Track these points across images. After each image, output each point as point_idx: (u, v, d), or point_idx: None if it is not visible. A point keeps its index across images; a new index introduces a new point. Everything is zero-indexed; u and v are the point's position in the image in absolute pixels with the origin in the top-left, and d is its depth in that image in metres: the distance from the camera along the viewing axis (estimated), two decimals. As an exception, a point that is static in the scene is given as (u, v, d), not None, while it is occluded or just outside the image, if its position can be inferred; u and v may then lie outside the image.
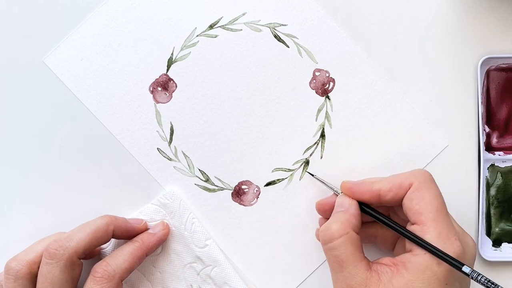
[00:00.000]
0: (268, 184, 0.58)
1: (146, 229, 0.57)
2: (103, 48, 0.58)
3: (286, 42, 0.58)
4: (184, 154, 0.58)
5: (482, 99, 0.58)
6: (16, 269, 0.52)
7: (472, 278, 0.47)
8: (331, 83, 0.58)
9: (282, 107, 0.58)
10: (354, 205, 0.52)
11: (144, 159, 0.58)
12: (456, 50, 0.58)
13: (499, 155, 0.59)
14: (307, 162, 0.58)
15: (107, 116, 0.58)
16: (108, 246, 0.57)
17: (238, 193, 0.58)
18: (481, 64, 0.57)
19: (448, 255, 0.47)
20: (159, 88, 0.58)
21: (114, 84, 0.58)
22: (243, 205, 0.58)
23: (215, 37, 0.58)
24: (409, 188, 0.50)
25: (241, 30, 0.58)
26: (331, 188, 0.55)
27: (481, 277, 0.47)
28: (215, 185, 0.58)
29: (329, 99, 0.58)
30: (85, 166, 0.58)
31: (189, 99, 0.58)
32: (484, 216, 0.58)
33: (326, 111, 0.58)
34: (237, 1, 0.57)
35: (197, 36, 0.58)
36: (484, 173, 0.58)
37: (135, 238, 0.55)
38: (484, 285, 0.47)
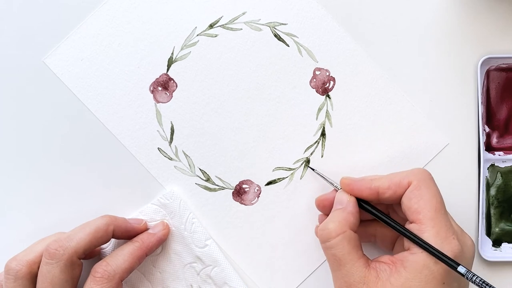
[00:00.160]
0: (269, 183, 0.58)
1: (146, 229, 0.57)
2: (103, 48, 0.58)
3: (286, 41, 0.58)
4: (184, 153, 0.58)
5: (482, 99, 0.58)
6: (16, 269, 0.51)
7: (467, 278, 0.47)
8: (332, 82, 0.58)
9: (283, 106, 0.58)
10: (352, 202, 0.52)
11: (145, 159, 0.58)
12: (456, 50, 0.58)
13: (499, 155, 0.59)
14: (307, 161, 0.58)
15: (107, 116, 0.58)
16: (108, 246, 0.57)
17: (238, 193, 0.58)
18: (481, 64, 0.57)
19: (444, 254, 0.47)
20: (160, 88, 0.58)
21: (115, 84, 0.58)
22: (244, 204, 0.58)
23: (215, 36, 0.58)
24: (408, 187, 0.50)
25: (241, 29, 0.58)
26: (331, 183, 0.55)
27: (476, 277, 0.47)
28: (215, 185, 0.58)
29: (330, 98, 0.58)
30: (85, 166, 0.58)
31: (189, 99, 0.58)
32: (484, 216, 0.58)
33: (327, 110, 0.58)
34: (237, 1, 0.57)
35: (197, 35, 0.58)
36: (484, 173, 0.58)
37: (135, 238, 0.55)
38: (478, 285, 0.47)
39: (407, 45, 0.58)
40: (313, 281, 0.58)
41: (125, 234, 0.55)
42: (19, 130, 0.58)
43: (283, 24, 0.58)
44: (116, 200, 0.58)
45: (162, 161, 0.58)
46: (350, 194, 0.53)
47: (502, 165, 0.59)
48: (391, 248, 0.55)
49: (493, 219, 0.58)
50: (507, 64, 0.58)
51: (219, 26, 0.58)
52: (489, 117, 0.58)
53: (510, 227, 0.58)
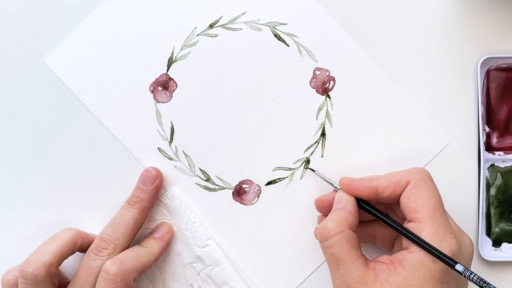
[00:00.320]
0: (269, 183, 0.58)
1: None
2: (103, 48, 0.58)
3: (286, 41, 0.58)
4: (184, 153, 0.58)
5: (482, 99, 0.58)
6: (34, 273, 0.51)
7: (464, 276, 0.47)
8: (332, 82, 0.58)
9: (283, 106, 0.58)
10: (351, 202, 0.52)
11: (145, 159, 0.58)
12: (456, 50, 0.58)
13: (499, 155, 0.59)
14: (307, 161, 0.58)
15: (107, 116, 0.58)
16: None
17: (239, 193, 0.58)
18: (481, 64, 0.57)
19: (442, 253, 0.47)
20: (160, 88, 0.58)
21: (115, 84, 0.58)
22: (244, 204, 0.58)
23: (215, 36, 0.58)
24: (407, 186, 0.50)
25: (241, 29, 0.58)
26: (331, 184, 0.55)
27: (474, 275, 0.47)
28: (216, 185, 0.58)
29: (330, 98, 0.58)
30: (85, 166, 0.58)
31: (189, 99, 0.58)
32: (484, 216, 0.58)
33: (327, 110, 0.58)
34: (237, 0, 0.57)
35: (197, 35, 0.58)
36: (484, 173, 0.58)
37: (143, 243, 0.56)
38: (476, 283, 0.47)
39: (407, 45, 0.58)
40: (313, 281, 0.58)
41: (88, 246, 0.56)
42: (19, 130, 0.58)
43: (283, 24, 0.58)
44: (117, 200, 0.57)
45: (162, 161, 0.58)
46: (350, 194, 0.53)
47: (502, 165, 0.59)
48: (391, 248, 0.55)
49: (493, 219, 0.58)
50: (507, 64, 0.58)
51: (219, 26, 0.58)
52: (489, 117, 0.58)
53: (510, 227, 0.58)
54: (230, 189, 0.58)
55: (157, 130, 0.58)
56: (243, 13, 0.58)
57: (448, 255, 0.47)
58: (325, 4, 0.58)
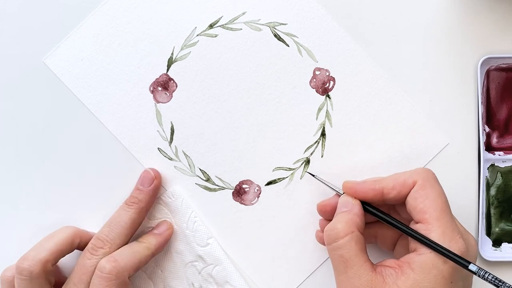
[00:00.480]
0: (269, 183, 0.58)
1: None
2: (103, 48, 0.58)
3: (286, 41, 0.58)
4: (184, 153, 0.58)
5: (482, 99, 0.58)
6: (30, 269, 0.51)
7: (479, 276, 0.47)
8: (332, 82, 0.58)
9: (283, 106, 0.58)
10: (357, 205, 0.52)
11: (145, 159, 0.58)
12: (456, 50, 0.58)
13: (499, 155, 0.59)
14: (307, 161, 0.58)
15: (107, 116, 0.58)
16: None
17: (239, 193, 0.58)
18: (481, 64, 0.57)
19: (455, 253, 0.47)
20: (160, 88, 0.58)
21: (115, 84, 0.58)
22: (244, 204, 0.58)
23: (215, 36, 0.58)
24: (413, 186, 0.50)
25: (241, 29, 0.58)
26: (333, 188, 0.55)
27: (488, 274, 0.47)
28: (215, 185, 0.58)
29: (330, 98, 0.58)
30: (85, 166, 0.58)
31: (189, 99, 0.58)
32: (484, 216, 0.58)
33: (327, 110, 0.58)
34: (237, 1, 0.57)
35: (197, 35, 0.58)
36: (484, 173, 0.58)
37: (141, 239, 0.56)
38: (491, 283, 0.47)
39: (407, 45, 0.58)
40: (313, 281, 0.58)
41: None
42: (19, 130, 0.58)
43: (283, 24, 0.58)
44: (116, 200, 0.57)
45: (162, 161, 0.58)
46: (354, 197, 0.52)
47: (502, 165, 0.59)
48: (392, 249, 0.55)
49: (493, 219, 0.58)
50: (507, 64, 0.58)
51: (219, 26, 0.58)
52: (489, 117, 0.58)
53: (510, 227, 0.58)
54: (230, 189, 0.58)
55: (157, 130, 0.58)
56: (243, 13, 0.58)
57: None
58: (325, 4, 0.58)
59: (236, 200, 0.58)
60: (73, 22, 0.58)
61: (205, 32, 0.58)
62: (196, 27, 0.58)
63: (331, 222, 0.51)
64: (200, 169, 0.58)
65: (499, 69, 0.58)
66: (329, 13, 0.58)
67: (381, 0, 0.58)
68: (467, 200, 0.58)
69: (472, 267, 0.47)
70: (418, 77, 0.58)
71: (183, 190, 0.58)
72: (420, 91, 0.58)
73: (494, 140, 0.59)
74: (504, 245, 0.58)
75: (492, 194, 0.58)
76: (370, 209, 0.52)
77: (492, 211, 0.58)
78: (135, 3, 0.58)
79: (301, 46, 0.58)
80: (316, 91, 0.58)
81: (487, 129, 0.59)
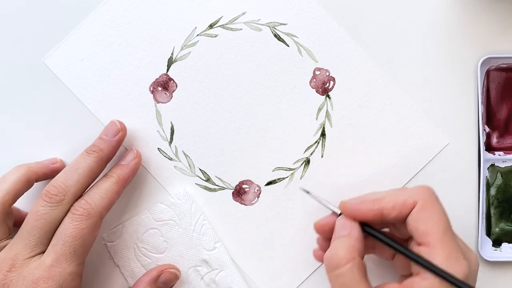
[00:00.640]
0: (269, 183, 0.58)
1: (63, 166, 0.57)
2: (103, 48, 0.58)
3: (286, 41, 0.58)
4: (184, 153, 0.58)
5: (482, 99, 0.58)
6: None
7: None
8: (332, 82, 0.58)
9: (283, 106, 0.58)
10: (356, 229, 0.49)
11: (145, 159, 0.58)
12: (456, 50, 0.58)
13: (499, 155, 0.59)
14: (307, 161, 0.58)
15: (107, 116, 0.58)
16: None
17: (239, 193, 0.58)
18: (481, 64, 0.57)
19: (460, 280, 0.45)
20: (160, 88, 0.58)
21: (115, 84, 0.58)
22: (244, 204, 0.58)
23: (215, 36, 0.58)
24: (413, 207, 0.48)
25: (241, 29, 0.58)
26: (329, 208, 0.53)
27: None
28: (216, 185, 0.58)
29: (330, 98, 0.58)
30: (85, 166, 0.58)
31: (189, 99, 0.58)
32: (484, 216, 0.58)
33: (327, 110, 0.58)
34: (237, 1, 0.57)
35: (197, 35, 0.58)
36: (484, 173, 0.58)
37: (109, 173, 0.55)
38: None
39: (407, 45, 0.58)
40: (313, 281, 0.58)
41: (45, 177, 0.55)
42: (19, 130, 0.58)
43: (283, 24, 0.58)
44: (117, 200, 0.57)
45: (162, 161, 0.58)
46: (353, 218, 0.50)
47: (502, 165, 0.59)
48: (391, 259, 0.54)
49: (493, 219, 0.58)
50: (507, 64, 0.58)
51: (219, 26, 0.58)
52: (489, 117, 0.58)
53: (510, 227, 0.58)
54: (230, 189, 0.58)
55: (157, 130, 0.58)
56: (243, 13, 0.58)
57: (461, 278, 0.46)
58: (325, 4, 0.58)
59: (236, 200, 0.58)
60: (73, 22, 0.58)
61: (205, 32, 0.58)
62: (196, 27, 0.58)
63: (330, 248, 0.49)
64: (200, 169, 0.58)
65: (499, 69, 0.58)
66: (329, 13, 0.58)
67: (381, 0, 0.58)
68: (467, 200, 0.58)
69: None
70: (418, 77, 0.58)
71: (193, 191, 0.58)
72: (420, 91, 0.58)
73: (494, 140, 0.59)
74: (504, 245, 0.58)
75: (492, 194, 0.58)
76: (371, 231, 0.50)
77: (492, 211, 0.58)
78: (135, 3, 0.58)
79: (301, 46, 0.58)
80: (316, 91, 0.58)
81: (487, 129, 0.59)
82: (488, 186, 0.58)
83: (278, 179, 0.58)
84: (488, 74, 0.58)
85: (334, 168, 0.58)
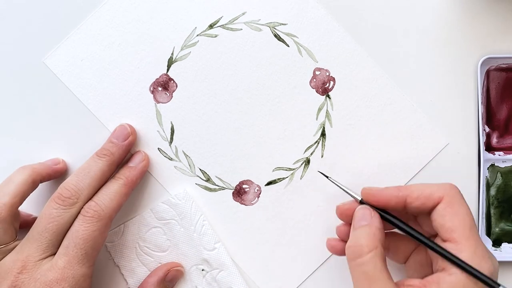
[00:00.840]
0: (269, 183, 0.58)
1: (66, 167, 0.58)
2: (103, 48, 0.58)
3: (286, 41, 0.58)
4: (184, 153, 0.58)
5: (482, 99, 0.58)
6: None
7: None
8: (332, 82, 0.58)
9: (283, 106, 0.58)
10: (377, 218, 0.49)
11: (145, 159, 0.58)
12: (456, 50, 0.58)
13: (499, 155, 0.59)
14: (308, 161, 0.58)
15: (107, 116, 0.58)
16: None
17: (239, 193, 0.58)
18: (481, 64, 0.57)
19: (486, 276, 0.46)
20: (160, 88, 0.58)
21: (115, 84, 0.58)
22: (244, 204, 0.58)
23: (215, 36, 0.58)
24: (439, 202, 0.48)
25: (241, 29, 0.58)
26: (350, 194, 0.52)
27: None
28: (216, 185, 0.58)
29: (330, 98, 0.58)
30: (85, 166, 0.58)
31: (189, 99, 0.58)
32: (484, 216, 0.58)
33: (327, 110, 0.58)
34: (237, 1, 0.57)
35: (197, 35, 0.58)
36: (484, 173, 0.58)
37: (118, 175, 0.55)
38: None
39: (407, 45, 0.58)
40: (313, 281, 0.58)
41: (48, 178, 0.56)
42: (19, 130, 0.58)
43: (283, 24, 0.58)
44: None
45: (162, 161, 0.58)
46: (375, 204, 0.50)
47: (502, 165, 0.59)
48: (403, 262, 0.54)
49: (493, 219, 0.58)
50: (507, 64, 0.58)
51: (219, 26, 0.58)
52: (489, 117, 0.58)
53: (510, 227, 0.58)
54: (230, 189, 0.58)
55: (157, 131, 0.58)
56: (243, 13, 0.58)
57: (488, 276, 0.46)
58: (325, 4, 0.58)
59: (236, 200, 0.58)
60: (73, 22, 0.58)
61: (205, 32, 0.58)
62: (196, 27, 0.58)
63: (351, 237, 0.49)
64: (200, 169, 0.58)
65: (499, 69, 0.58)
66: (329, 13, 0.58)
67: (381, 0, 0.58)
68: (467, 200, 0.58)
69: None
70: (418, 77, 0.58)
71: (193, 191, 0.58)
72: (420, 91, 0.58)
73: (494, 140, 0.59)
74: (504, 245, 0.58)
75: (492, 194, 0.58)
76: (392, 219, 0.50)
77: (492, 211, 0.58)
78: (135, 3, 0.58)
79: (301, 46, 0.58)
80: (316, 91, 0.58)
81: (487, 129, 0.59)
82: (488, 186, 0.58)
83: (278, 179, 0.58)
84: (488, 74, 0.58)
85: (334, 168, 0.58)
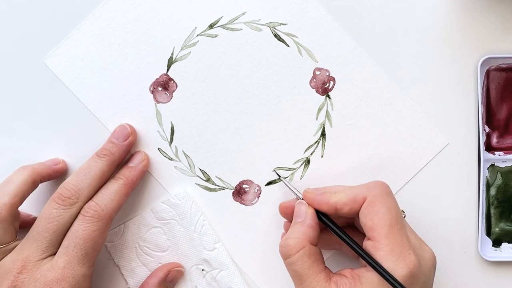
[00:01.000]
0: (269, 183, 0.58)
1: (66, 167, 0.58)
2: (103, 48, 0.58)
3: (286, 41, 0.58)
4: (184, 153, 0.58)
5: (482, 99, 0.58)
6: None
7: None
8: (332, 82, 0.58)
9: (283, 106, 0.58)
10: (310, 215, 0.51)
11: (145, 159, 0.58)
12: (456, 50, 0.58)
13: (499, 155, 0.59)
14: (307, 161, 0.58)
15: (107, 116, 0.58)
16: None
17: (239, 193, 0.58)
18: (481, 64, 0.57)
19: (393, 277, 0.47)
20: (160, 88, 0.58)
21: (115, 84, 0.58)
22: (244, 204, 0.58)
23: (215, 36, 0.58)
24: (363, 203, 0.50)
25: (241, 29, 0.58)
26: (294, 193, 0.54)
27: None
28: (216, 185, 0.58)
29: (330, 98, 0.58)
30: (85, 166, 0.58)
31: (189, 99, 0.58)
32: (484, 216, 0.58)
33: (327, 110, 0.58)
34: (237, 1, 0.57)
35: (197, 35, 0.58)
36: (484, 173, 0.58)
37: (118, 175, 0.55)
38: None
39: (407, 45, 0.58)
40: (313, 281, 0.58)
41: (49, 178, 0.56)
42: (19, 130, 0.58)
43: (283, 24, 0.58)
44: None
45: (162, 161, 0.58)
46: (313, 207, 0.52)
47: (502, 165, 0.59)
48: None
49: (493, 219, 0.58)
50: (507, 64, 0.58)
51: (219, 26, 0.58)
52: (489, 117, 0.58)
53: (510, 227, 0.58)
54: (230, 189, 0.58)
55: (157, 131, 0.58)
56: (243, 13, 0.57)
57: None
58: (325, 4, 0.58)
59: (236, 200, 0.58)
60: (73, 22, 0.58)
61: (205, 32, 0.58)
62: (196, 27, 0.58)
63: (284, 237, 0.51)
64: (200, 169, 0.58)
65: (499, 69, 0.58)
66: (329, 13, 0.58)
67: (381, 0, 0.58)
68: (467, 200, 0.58)
69: None
70: (418, 77, 0.58)
71: (193, 191, 0.58)
72: (420, 91, 0.58)
73: (494, 140, 0.59)
74: (504, 245, 0.58)
75: (492, 194, 0.58)
76: (325, 220, 0.52)
77: (492, 211, 0.58)
78: (135, 3, 0.58)
79: (301, 46, 0.58)
80: (316, 91, 0.58)
81: (487, 129, 0.59)
82: (488, 186, 0.58)
83: (278, 179, 0.58)
84: (488, 74, 0.58)
85: (334, 168, 0.58)
